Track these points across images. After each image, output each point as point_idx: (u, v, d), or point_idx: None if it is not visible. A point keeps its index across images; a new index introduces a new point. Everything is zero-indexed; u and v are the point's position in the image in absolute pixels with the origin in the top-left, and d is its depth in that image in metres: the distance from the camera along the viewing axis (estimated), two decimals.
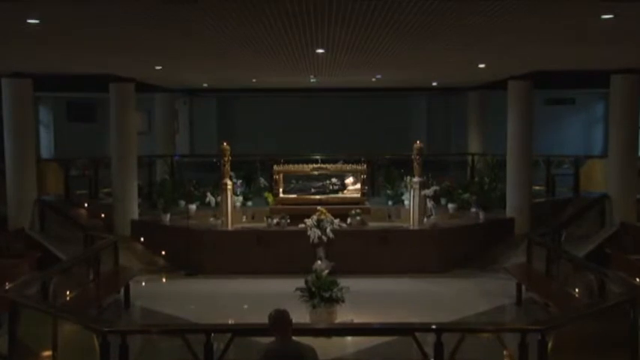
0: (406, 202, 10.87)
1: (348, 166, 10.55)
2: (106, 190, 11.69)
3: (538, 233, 8.97)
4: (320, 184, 10.62)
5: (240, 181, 11.48)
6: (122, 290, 7.86)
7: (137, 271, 8.73)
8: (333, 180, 10.64)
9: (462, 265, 9.43)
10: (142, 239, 10.11)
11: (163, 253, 9.81)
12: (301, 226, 9.10)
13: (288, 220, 9.55)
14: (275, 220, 9.63)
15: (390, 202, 11.41)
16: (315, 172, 10.48)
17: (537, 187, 11.80)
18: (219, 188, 9.93)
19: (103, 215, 10.62)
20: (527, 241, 8.46)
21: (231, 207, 9.87)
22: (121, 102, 10.47)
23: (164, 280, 9.29)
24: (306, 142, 15.91)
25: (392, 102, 16.84)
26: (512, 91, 10.51)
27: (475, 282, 8.82)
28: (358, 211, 9.68)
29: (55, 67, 9.16)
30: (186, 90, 14.99)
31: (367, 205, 10.25)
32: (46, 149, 14.75)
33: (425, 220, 9.70)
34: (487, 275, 9.12)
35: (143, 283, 8.91)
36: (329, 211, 9.16)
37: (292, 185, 10.72)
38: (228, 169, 9.84)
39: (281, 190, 10.37)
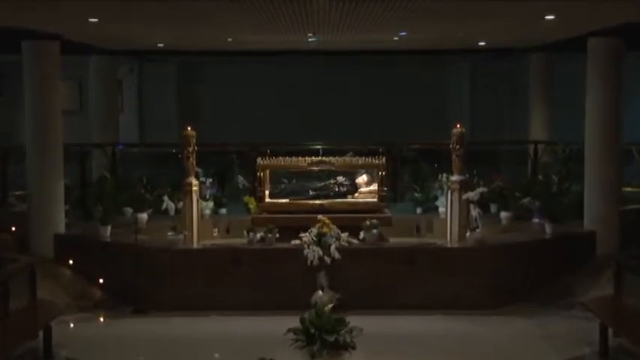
0: (441, 210, 10.83)
1: (361, 160, 10.50)
2: (18, 192, 11.64)
3: (631, 254, 8.85)
4: (321, 184, 10.62)
5: (211, 180, 11.48)
6: (41, 335, 7.74)
7: (63, 308, 8.63)
8: (340, 179, 10.65)
9: (521, 298, 9.39)
10: (71, 262, 10.06)
11: (101, 281, 9.75)
12: (295, 242, 9.05)
13: (277, 235, 9.49)
14: (259, 235, 9.59)
15: (418, 210, 11.41)
16: (315, 168, 10.46)
17: (630, 189, 11.74)
18: (180, 190, 9.88)
19: (13, 228, 10.57)
20: (615, 264, 8.35)
21: (198, 216, 9.83)
22: (39, 68, 10.38)
23: (102, 319, 9.23)
24: (302, 125, 15.88)
25: (422, 70, 16.83)
26: (594, 52, 10.43)
27: (539, 322, 8.76)
28: (375, 221, 9.63)
29: None
30: (133, 52, 14.91)
31: (387, 213, 10.22)
32: None
33: (468, 234, 9.64)
34: (556, 313, 9.06)
35: (71, 325, 8.83)
36: (334, 221, 9.14)
37: (283, 186, 10.73)
38: (194, 163, 9.80)
39: (267, 192, 10.34)
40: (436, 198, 11.27)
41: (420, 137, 14.21)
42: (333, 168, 10.47)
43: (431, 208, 11.31)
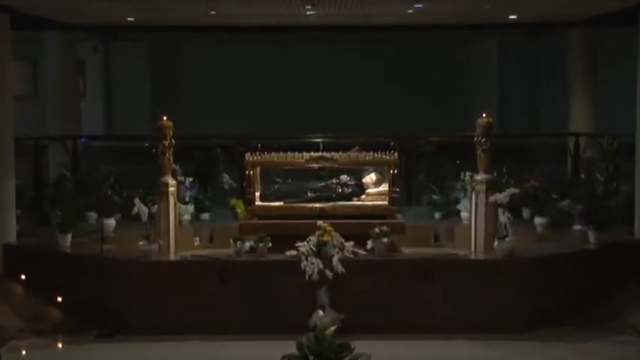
0: (464, 215, 10.84)
1: (369, 156, 10.50)
2: None
3: None
4: (322, 184, 10.69)
5: (191, 179, 11.50)
6: None
7: (14, 332, 8.70)
8: (344, 178, 10.71)
9: (560, 319, 9.38)
10: (24, 277, 10.05)
11: (59, 300, 9.74)
12: (291, 253, 9.06)
13: (270, 245, 9.49)
14: (248, 245, 9.59)
15: (437, 215, 11.51)
16: (314, 165, 10.50)
17: None
18: (154, 191, 9.91)
19: None
20: None
21: (176, 222, 9.86)
22: None
23: (60, 345, 9.22)
24: (298, 115, 15.89)
25: (441, 49, 16.82)
26: None
27: (581, 349, 8.76)
28: (385, 228, 9.63)
29: None
30: (98, 27, 14.91)
31: (400, 219, 10.26)
32: None
33: (496, 243, 9.64)
34: (602, 338, 9.05)
35: (24, 352, 8.85)
36: (337, 228, 9.14)
37: (276, 187, 10.75)
38: (171, 159, 9.81)
39: (258, 194, 10.36)
40: (458, 201, 11.29)
41: (440, 128, 14.25)
42: (336, 165, 10.48)
43: (452, 213, 11.34)
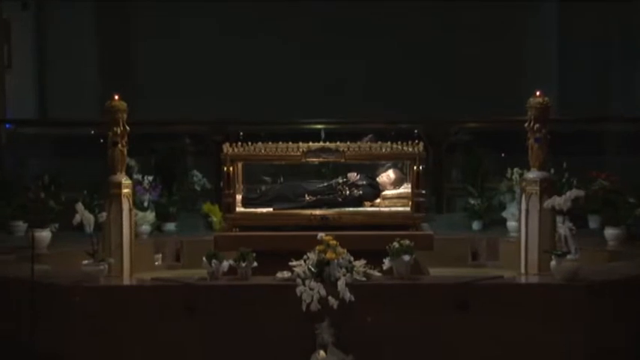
0: (511, 225, 10.86)
1: (385, 147, 10.53)
2: None
3: None
4: (324, 185, 10.75)
5: (151, 178, 11.55)
6: None
7: None
8: (353, 177, 10.79)
9: None
10: None
11: None
12: (283, 275, 9.10)
13: (255, 264, 9.51)
14: (226, 264, 9.59)
15: (475, 225, 11.60)
16: (314, 160, 10.54)
17: None
18: (103, 195, 9.92)
19: None
20: None
21: (131, 235, 9.90)
22: None
23: None
24: (293, 93, 15.90)
25: (482, 13, 16.80)
26: None
27: None
28: (407, 242, 9.63)
29: None
30: None
31: (426, 229, 10.33)
32: None
33: (553, 262, 9.66)
34: None
35: None
36: (344, 242, 9.15)
37: (264, 188, 10.84)
38: (125, 152, 9.83)
39: (239, 198, 10.40)
40: (504, 207, 11.32)
41: (480, 111, 14.24)
42: (342, 160, 10.51)
43: (495, 223, 11.35)
